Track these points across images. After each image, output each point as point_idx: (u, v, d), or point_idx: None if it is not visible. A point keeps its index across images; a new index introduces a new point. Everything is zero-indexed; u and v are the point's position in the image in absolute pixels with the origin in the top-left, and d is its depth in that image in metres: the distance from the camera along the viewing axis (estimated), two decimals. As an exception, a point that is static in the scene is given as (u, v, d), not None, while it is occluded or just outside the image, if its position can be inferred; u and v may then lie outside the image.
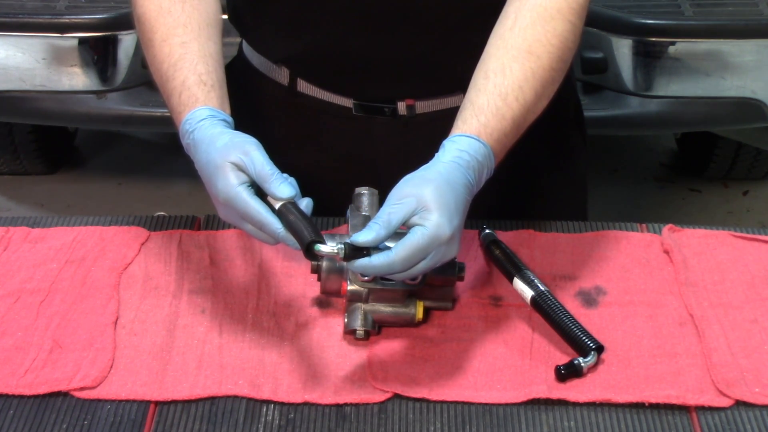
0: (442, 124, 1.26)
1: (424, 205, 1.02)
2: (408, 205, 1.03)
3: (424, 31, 1.25)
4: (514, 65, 1.12)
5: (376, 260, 1.01)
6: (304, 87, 1.35)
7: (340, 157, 1.40)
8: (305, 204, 1.06)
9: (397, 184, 1.06)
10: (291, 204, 1.04)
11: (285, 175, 1.07)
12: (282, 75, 1.36)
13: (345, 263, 1.03)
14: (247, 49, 1.42)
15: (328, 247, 1.01)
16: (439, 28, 1.25)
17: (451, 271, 1.13)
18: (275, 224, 1.03)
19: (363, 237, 1.01)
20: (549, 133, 1.43)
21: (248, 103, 1.42)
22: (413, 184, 1.05)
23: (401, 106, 1.33)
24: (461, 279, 1.14)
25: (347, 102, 1.34)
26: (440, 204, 1.02)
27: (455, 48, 1.26)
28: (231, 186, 1.05)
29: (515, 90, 1.11)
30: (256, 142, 1.07)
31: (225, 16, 1.37)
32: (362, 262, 1.01)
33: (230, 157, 1.06)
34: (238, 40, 1.47)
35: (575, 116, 1.52)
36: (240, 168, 1.05)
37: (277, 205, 1.04)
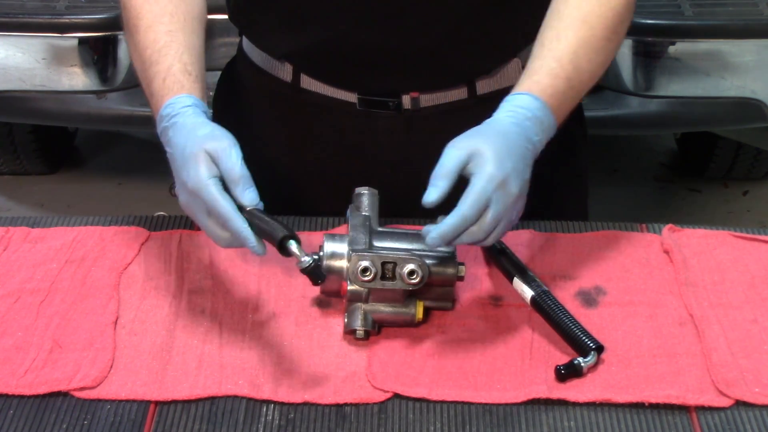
0: (445, 119, 1.26)
1: (476, 151, 1.04)
2: (461, 153, 1.04)
3: (430, 23, 1.25)
4: (568, 32, 1.15)
5: (450, 220, 1.02)
6: (307, 83, 1.35)
7: (342, 154, 1.40)
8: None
9: (451, 141, 1.07)
10: (257, 210, 1.06)
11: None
12: (285, 71, 1.36)
13: (428, 241, 1.04)
14: (248, 47, 1.42)
15: (297, 250, 1.02)
16: (444, 20, 1.25)
17: (451, 271, 1.13)
18: (240, 222, 1.04)
19: (430, 196, 1.02)
20: None
21: (249, 101, 1.42)
22: (465, 137, 1.07)
23: (405, 100, 1.33)
24: (461, 279, 1.14)
25: (351, 97, 1.34)
26: (492, 149, 1.04)
27: (460, 40, 1.26)
28: (202, 177, 1.05)
29: (569, 54, 1.14)
30: (234, 140, 1.08)
31: (225, 17, 1.37)
32: (439, 228, 1.03)
33: (207, 148, 1.06)
34: (237, 40, 1.48)
35: (576, 109, 1.52)
36: (214, 161, 1.06)
37: (245, 207, 1.06)
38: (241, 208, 1.05)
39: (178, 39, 1.19)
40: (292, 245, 1.02)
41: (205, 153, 1.06)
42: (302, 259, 1.02)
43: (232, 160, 1.05)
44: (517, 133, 1.08)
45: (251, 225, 1.04)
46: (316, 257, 1.03)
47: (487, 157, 1.04)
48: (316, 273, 1.03)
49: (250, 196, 1.05)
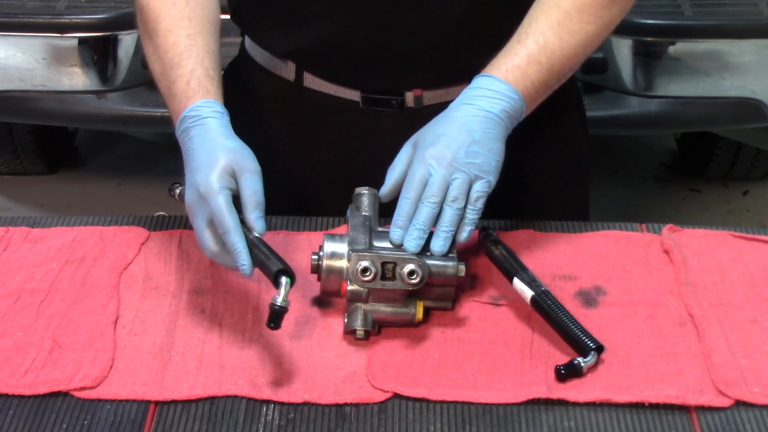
0: None
1: (416, 137, 1.16)
2: (407, 146, 1.16)
3: (432, 19, 1.25)
4: (540, 16, 1.19)
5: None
6: (310, 81, 1.36)
7: (346, 152, 1.40)
8: None
9: None
10: (259, 239, 1.09)
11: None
12: (288, 70, 1.36)
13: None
14: (251, 46, 1.42)
15: (284, 288, 1.04)
16: (447, 17, 1.25)
17: (451, 271, 1.13)
18: (240, 239, 1.07)
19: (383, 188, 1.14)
20: (552, 118, 1.43)
21: (252, 101, 1.42)
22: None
23: (409, 97, 1.34)
24: (461, 279, 1.14)
25: (355, 95, 1.34)
26: (426, 127, 1.16)
27: (463, 36, 1.26)
28: (216, 184, 1.08)
29: (535, 34, 1.18)
30: (257, 165, 1.11)
31: (226, 16, 1.37)
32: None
33: (233, 162, 1.09)
34: (239, 40, 1.47)
35: (577, 102, 1.52)
36: (235, 177, 1.09)
37: (249, 233, 1.09)
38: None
39: (198, 43, 1.20)
40: (283, 282, 1.04)
41: (228, 164, 1.09)
42: (277, 298, 1.03)
43: (257, 184, 1.09)
44: (461, 109, 1.15)
45: (249, 248, 1.07)
46: (284, 305, 1.03)
47: (417, 136, 1.16)
48: (277, 317, 1.03)
49: (261, 224, 1.09)
